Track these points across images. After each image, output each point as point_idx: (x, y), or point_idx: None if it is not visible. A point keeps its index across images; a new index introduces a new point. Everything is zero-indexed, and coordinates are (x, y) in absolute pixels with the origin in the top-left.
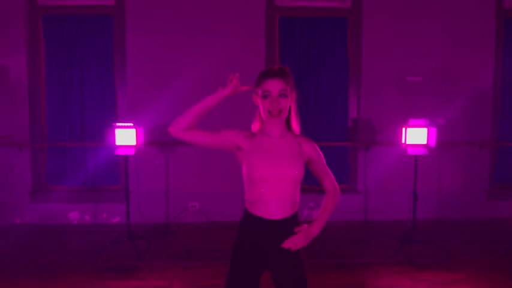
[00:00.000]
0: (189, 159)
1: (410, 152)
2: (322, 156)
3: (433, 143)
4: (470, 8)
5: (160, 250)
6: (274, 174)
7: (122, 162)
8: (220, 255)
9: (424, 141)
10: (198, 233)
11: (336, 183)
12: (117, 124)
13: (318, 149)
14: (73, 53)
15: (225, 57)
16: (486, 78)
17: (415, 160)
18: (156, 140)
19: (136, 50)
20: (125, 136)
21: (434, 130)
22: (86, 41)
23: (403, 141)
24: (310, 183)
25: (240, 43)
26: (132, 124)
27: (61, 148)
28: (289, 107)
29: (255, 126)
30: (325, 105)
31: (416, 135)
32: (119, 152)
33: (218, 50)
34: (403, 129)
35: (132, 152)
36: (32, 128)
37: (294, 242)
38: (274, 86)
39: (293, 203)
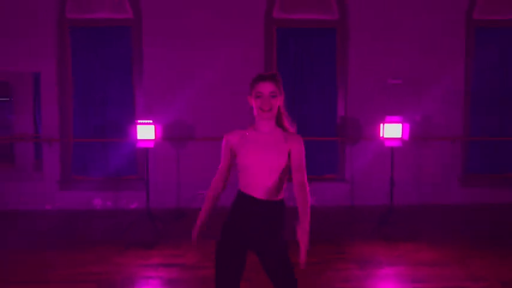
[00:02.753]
0: (196, 153)
1: (387, 144)
2: (303, 154)
3: (406, 137)
4: (444, 19)
5: (174, 230)
6: (260, 163)
7: (142, 154)
8: None
9: (398, 135)
10: None
11: (307, 181)
12: (139, 121)
13: (302, 146)
14: (97, 59)
15: (228, 63)
16: (458, 81)
17: (392, 152)
18: (168, 136)
19: (151, 56)
20: (146, 131)
21: (407, 126)
22: (108, 48)
23: (381, 135)
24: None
25: (241, 51)
26: (151, 121)
27: (85, 143)
28: (278, 107)
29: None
30: (317, 105)
31: (392, 130)
32: (140, 145)
33: (222, 57)
34: (381, 125)
35: (151, 145)
36: (61, 125)
37: (302, 259)
38: (266, 88)
39: (278, 188)
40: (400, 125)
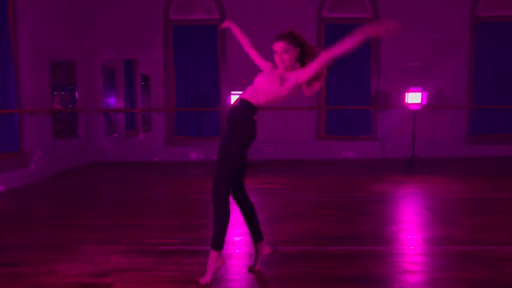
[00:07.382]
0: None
1: (411, 108)
2: None
3: (424, 102)
4: (450, 20)
5: (250, 171)
6: None
7: None
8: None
9: (419, 101)
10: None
11: None
12: (232, 92)
13: None
14: (191, 49)
15: None
16: (462, 61)
17: (414, 114)
18: None
19: (231, 48)
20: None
21: (425, 94)
22: (200, 41)
23: (406, 102)
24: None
25: None
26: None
27: (183, 111)
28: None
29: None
30: (353, 83)
31: (414, 97)
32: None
33: None
34: (406, 93)
35: None
36: (165, 98)
37: None
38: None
39: None
40: (420, 94)
